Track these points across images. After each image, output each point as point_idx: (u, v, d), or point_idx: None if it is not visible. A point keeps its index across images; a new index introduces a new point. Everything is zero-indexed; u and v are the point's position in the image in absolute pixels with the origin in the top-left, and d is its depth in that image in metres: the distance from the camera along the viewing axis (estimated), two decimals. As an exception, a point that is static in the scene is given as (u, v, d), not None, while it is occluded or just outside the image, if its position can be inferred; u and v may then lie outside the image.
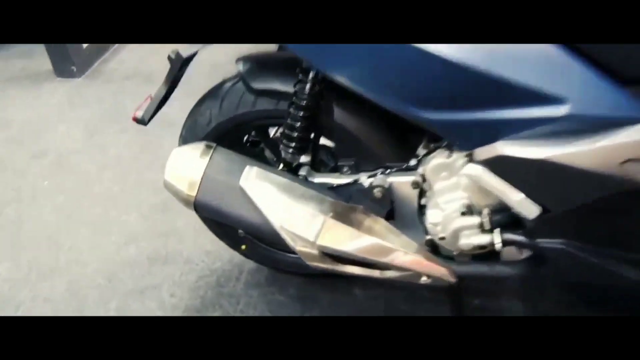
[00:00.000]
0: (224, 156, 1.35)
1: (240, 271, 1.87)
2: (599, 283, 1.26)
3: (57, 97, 2.99)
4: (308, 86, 1.29)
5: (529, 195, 1.14)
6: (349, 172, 1.40)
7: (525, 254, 1.39)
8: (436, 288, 1.45)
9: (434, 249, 1.44)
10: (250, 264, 1.88)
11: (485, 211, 1.28)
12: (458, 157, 1.29)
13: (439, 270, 1.35)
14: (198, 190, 1.30)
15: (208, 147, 1.36)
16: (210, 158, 1.32)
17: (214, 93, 1.46)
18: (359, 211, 1.34)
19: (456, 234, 1.32)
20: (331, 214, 1.30)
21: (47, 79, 3.17)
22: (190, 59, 1.38)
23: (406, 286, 1.45)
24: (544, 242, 1.21)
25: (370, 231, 1.32)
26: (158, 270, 1.91)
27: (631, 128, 1.01)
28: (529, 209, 1.16)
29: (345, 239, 1.30)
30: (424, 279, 1.36)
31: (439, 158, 1.31)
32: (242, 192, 1.30)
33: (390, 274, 1.36)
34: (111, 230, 2.09)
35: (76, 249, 2.02)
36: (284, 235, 1.29)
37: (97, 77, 3.17)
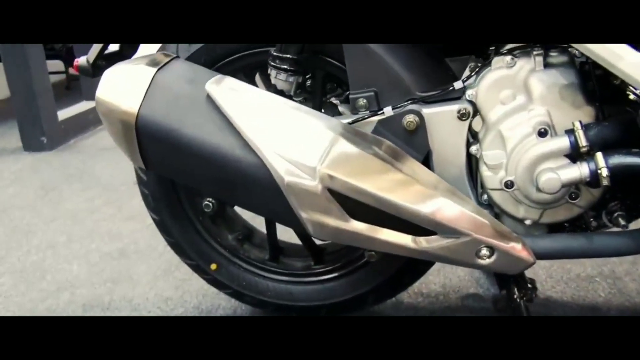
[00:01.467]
0: (185, 65, 1.00)
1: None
2: None
3: (17, 165, 2.71)
4: None
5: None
6: (365, 107, 1.02)
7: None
8: (501, 273, 1.00)
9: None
10: (222, 309, 1.40)
11: (577, 125, 0.87)
12: (525, 64, 0.94)
13: (509, 240, 0.90)
14: (143, 100, 0.92)
15: (165, 55, 1.00)
16: (163, 64, 0.96)
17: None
18: (384, 145, 0.94)
19: (532, 171, 0.91)
20: (342, 133, 0.90)
21: (13, 152, 2.93)
22: None
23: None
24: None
25: (400, 168, 0.91)
26: (93, 318, 1.42)
27: None
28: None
29: (364, 169, 0.88)
30: (484, 253, 0.90)
31: (496, 71, 0.96)
32: (209, 102, 0.91)
33: (429, 243, 0.90)
34: (43, 277, 1.64)
35: (-11, 297, 1.54)
36: (270, 161, 0.88)
37: (70, 150, 2.94)
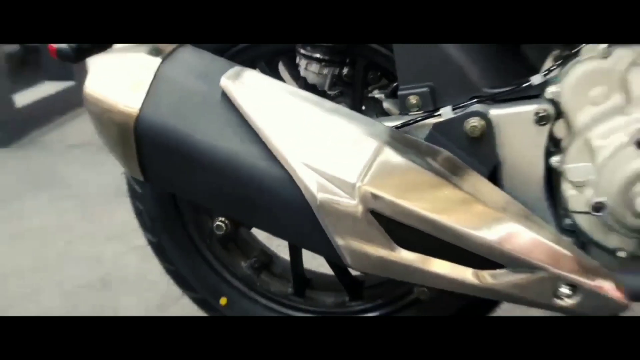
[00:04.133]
0: (195, 53, 1.11)
1: None
2: None
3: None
4: None
5: None
6: (417, 106, 1.11)
7: None
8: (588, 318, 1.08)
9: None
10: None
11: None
12: (624, 55, 1.02)
13: (597, 276, 0.99)
14: (145, 98, 1.03)
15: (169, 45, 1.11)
16: (169, 53, 1.07)
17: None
18: (441, 157, 1.03)
19: (629, 190, 0.99)
20: (389, 141, 0.99)
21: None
22: None
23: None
24: None
25: (460, 186, 1.00)
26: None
27: None
28: None
29: (415, 186, 0.98)
30: (564, 292, 0.99)
31: (586, 62, 1.04)
32: (224, 101, 1.02)
33: (495, 279, 0.99)
34: (4, 312, 1.78)
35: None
36: (299, 175, 0.98)
37: (31, 147, 3.12)
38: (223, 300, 1.38)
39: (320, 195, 0.96)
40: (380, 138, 1.00)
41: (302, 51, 1.14)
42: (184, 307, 1.59)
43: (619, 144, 1.01)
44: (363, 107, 1.25)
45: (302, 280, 1.37)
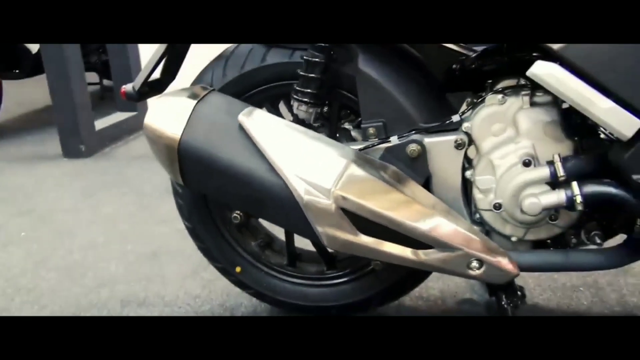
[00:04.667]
0: (221, 97, 1.10)
1: (232, 314, 1.48)
2: None
3: (59, 171, 2.83)
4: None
5: (625, 96, 0.84)
6: (375, 135, 1.12)
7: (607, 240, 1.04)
8: (489, 283, 1.08)
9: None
10: (244, 307, 1.49)
11: (556, 157, 0.96)
12: (514, 102, 1.03)
13: (496, 254, 1.00)
14: (185, 128, 1.02)
15: (203, 88, 1.11)
16: (203, 96, 1.06)
17: (220, 55, 1.25)
18: (390, 170, 1.04)
19: (517, 195, 1.00)
20: (354, 159, 0.99)
21: (54, 159, 3.05)
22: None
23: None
24: (646, 178, 0.87)
25: (403, 189, 1.01)
26: (131, 312, 1.52)
27: None
28: (623, 122, 0.85)
29: (372, 191, 0.98)
30: (474, 265, 1.00)
31: (489, 107, 1.05)
32: (241, 131, 1.02)
33: (427, 255, 1.00)
34: (85, 275, 1.75)
35: (37, 291, 1.66)
36: (292, 183, 0.98)
37: (105, 158, 3.06)
38: (238, 269, 1.37)
39: (306, 197, 0.96)
40: (348, 157, 1.00)
41: (295, 97, 1.13)
42: (211, 273, 1.59)
43: (511, 163, 1.02)
44: (337, 135, 1.25)
45: (294, 255, 1.36)
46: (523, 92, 1.02)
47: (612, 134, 0.87)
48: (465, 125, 1.06)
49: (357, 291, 1.29)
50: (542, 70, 0.89)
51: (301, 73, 1.10)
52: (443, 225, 0.98)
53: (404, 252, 1.00)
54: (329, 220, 0.97)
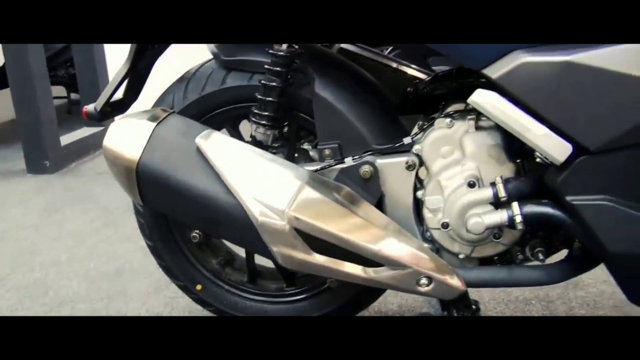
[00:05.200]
0: (180, 120, 1.13)
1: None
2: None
3: (22, 187, 2.80)
4: (283, 53, 1.11)
5: (558, 123, 0.89)
6: (330, 156, 1.16)
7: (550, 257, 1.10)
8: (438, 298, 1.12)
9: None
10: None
11: (498, 179, 1.01)
12: (461, 126, 1.08)
13: (444, 272, 1.04)
14: (144, 150, 1.05)
15: (163, 111, 1.14)
16: (162, 119, 1.09)
17: (181, 77, 1.28)
18: (343, 192, 1.08)
19: (462, 215, 1.05)
20: (308, 181, 1.03)
21: (18, 175, 3.01)
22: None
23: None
24: (578, 199, 0.92)
25: (356, 212, 1.04)
26: (92, 330, 1.52)
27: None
28: (557, 148, 0.91)
29: (324, 212, 1.01)
30: (423, 282, 1.04)
31: (438, 130, 1.10)
32: (198, 153, 1.04)
33: (377, 273, 1.04)
34: (46, 293, 1.74)
35: (-5, 311, 1.64)
36: (247, 204, 1.00)
37: (71, 174, 3.03)
38: (199, 287, 1.37)
39: (261, 218, 0.99)
40: (302, 179, 1.03)
41: (253, 119, 1.16)
42: (174, 291, 1.59)
43: (457, 185, 1.06)
44: (296, 155, 1.28)
45: (254, 272, 1.38)
46: (469, 117, 1.08)
47: (546, 159, 0.93)
48: (416, 147, 1.11)
49: (314, 307, 1.32)
50: (481, 98, 0.94)
51: (258, 97, 1.14)
52: (393, 245, 1.02)
53: (356, 270, 1.04)
54: (283, 240, 1.01)
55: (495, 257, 1.13)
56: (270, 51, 1.11)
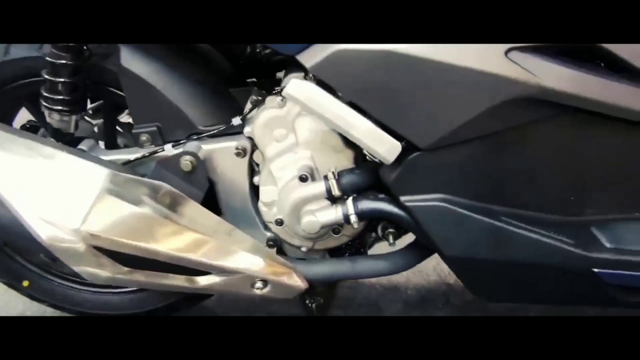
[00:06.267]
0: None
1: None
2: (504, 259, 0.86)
3: None
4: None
5: (382, 119, 0.77)
6: (149, 142, 0.98)
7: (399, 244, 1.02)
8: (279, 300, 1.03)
9: (278, 251, 1.04)
10: (49, 312, 1.36)
11: (330, 175, 0.89)
12: (294, 106, 0.93)
13: (279, 272, 0.94)
14: None
15: None
16: None
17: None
18: (161, 192, 0.91)
19: (296, 212, 0.93)
20: (108, 187, 0.86)
21: None
22: None
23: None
24: (412, 200, 0.83)
25: (175, 216, 0.89)
26: None
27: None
28: (385, 146, 0.79)
29: (129, 223, 0.86)
30: (258, 285, 0.94)
31: (269, 110, 0.94)
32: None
33: (207, 281, 0.92)
34: None
35: None
36: (33, 227, 0.82)
37: None
38: (25, 283, 1.20)
39: (49, 242, 0.83)
40: (101, 185, 0.85)
41: (44, 104, 0.95)
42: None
43: (289, 177, 0.93)
44: (118, 134, 1.10)
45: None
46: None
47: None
48: (246, 129, 0.96)
49: (155, 298, 1.19)
50: (296, 90, 0.79)
51: (45, 76, 0.92)
52: (219, 252, 0.90)
53: (179, 280, 0.92)
54: (82, 260, 0.85)
55: (344, 246, 1.04)
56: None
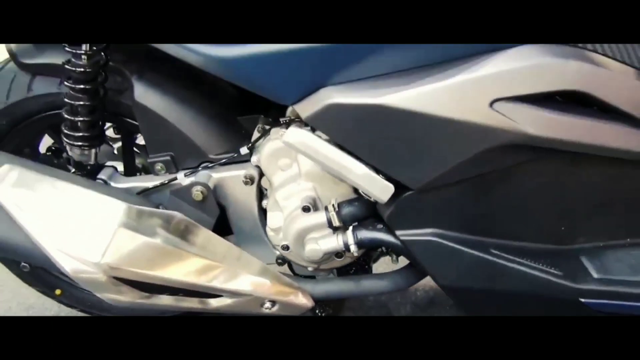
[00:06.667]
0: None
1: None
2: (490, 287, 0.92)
3: None
4: (84, 57, 0.93)
5: (376, 165, 0.82)
6: (163, 170, 1.05)
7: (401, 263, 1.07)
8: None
9: (288, 267, 1.11)
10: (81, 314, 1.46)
11: (330, 207, 0.94)
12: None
13: (286, 292, 1.01)
14: None
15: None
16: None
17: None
18: (175, 221, 0.97)
19: (300, 239, 0.99)
20: (124, 221, 0.93)
21: None
22: None
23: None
24: (406, 234, 0.87)
25: (187, 245, 0.96)
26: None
27: (496, 56, 0.73)
28: (379, 187, 0.84)
29: (145, 254, 0.92)
30: (267, 305, 1.01)
31: (273, 141, 0.99)
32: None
33: (217, 303, 0.99)
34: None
35: None
36: (56, 259, 0.90)
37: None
38: (58, 292, 1.31)
39: (74, 275, 0.90)
40: (118, 220, 0.91)
41: (65, 140, 1.01)
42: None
43: (293, 207, 0.99)
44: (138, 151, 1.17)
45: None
46: (306, 128, 0.97)
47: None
48: (253, 158, 1.01)
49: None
50: (295, 138, 0.84)
51: (65, 116, 0.98)
52: (229, 276, 0.96)
53: (193, 303, 0.99)
54: (104, 288, 0.93)
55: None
56: (67, 49, 0.93)
